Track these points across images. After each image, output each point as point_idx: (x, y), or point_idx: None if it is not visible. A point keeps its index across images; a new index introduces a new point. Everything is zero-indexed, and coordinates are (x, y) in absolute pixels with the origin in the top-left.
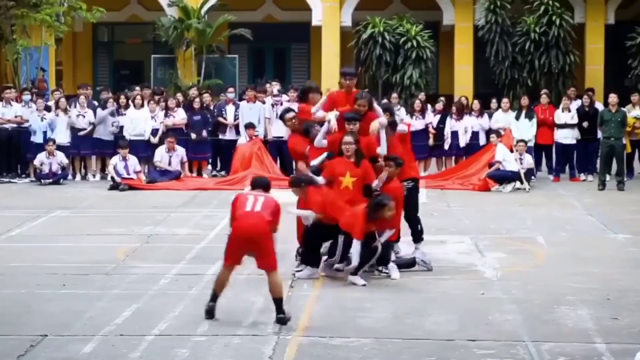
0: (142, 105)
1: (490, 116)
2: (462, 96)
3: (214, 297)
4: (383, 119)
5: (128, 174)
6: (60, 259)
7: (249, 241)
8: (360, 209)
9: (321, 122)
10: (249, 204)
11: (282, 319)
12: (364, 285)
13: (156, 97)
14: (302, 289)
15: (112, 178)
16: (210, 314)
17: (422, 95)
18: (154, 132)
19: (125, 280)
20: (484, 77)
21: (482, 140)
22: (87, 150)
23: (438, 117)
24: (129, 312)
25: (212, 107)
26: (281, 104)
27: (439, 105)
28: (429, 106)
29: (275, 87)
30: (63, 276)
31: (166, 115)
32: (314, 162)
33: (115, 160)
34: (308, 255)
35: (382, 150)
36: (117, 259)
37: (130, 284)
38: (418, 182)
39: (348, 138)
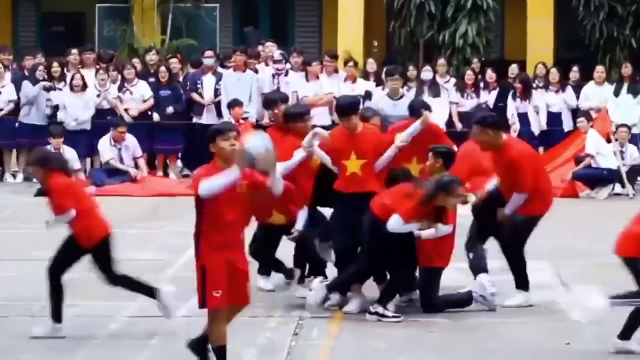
0: (83, 87)
1: (577, 90)
2: (540, 62)
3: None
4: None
5: None
6: None
7: None
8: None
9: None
10: None
11: None
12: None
13: (103, 65)
14: (310, 338)
15: None
16: None
17: (475, 64)
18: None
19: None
20: (569, 36)
21: (566, 124)
22: (8, 139)
23: (494, 93)
24: None
25: (181, 79)
26: (285, 73)
27: (490, 76)
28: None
29: (274, 49)
30: None
31: (121, 91)
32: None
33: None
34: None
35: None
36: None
37: (67, 330)
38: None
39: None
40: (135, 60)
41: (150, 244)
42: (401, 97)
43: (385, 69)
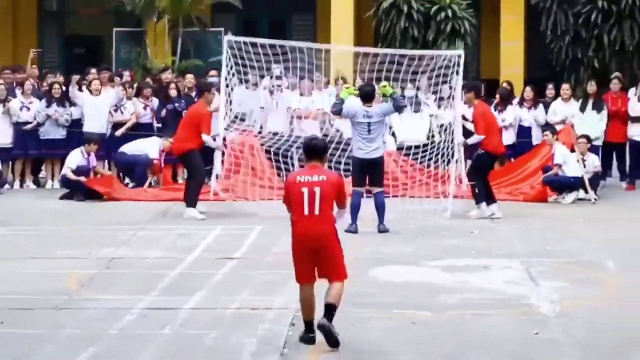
0: (100, 92)
1: (546, 107)
2: (505, 81)
3: (308, 327)
4: None
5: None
6: None
7: (311, 248)
8: None
9: None
10: (305, 204)
11: (320, 327)
12: None
13: (121, 81)
14: None
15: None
16: (311, 342)
17: (455, 80)
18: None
19: (79, 317)
20: (538, 57)
21: (535, 137)
22: (35, 150)
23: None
24: (84, 358)
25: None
26: (281, 90)
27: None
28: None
29: (276, 69)
30: (1, 311)
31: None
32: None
33: (75, 157)
34: None
35: None
36: (69, 289)
37: (86, 321)
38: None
39: None
40: (148, 79)
41: (161, 244)
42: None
43: None
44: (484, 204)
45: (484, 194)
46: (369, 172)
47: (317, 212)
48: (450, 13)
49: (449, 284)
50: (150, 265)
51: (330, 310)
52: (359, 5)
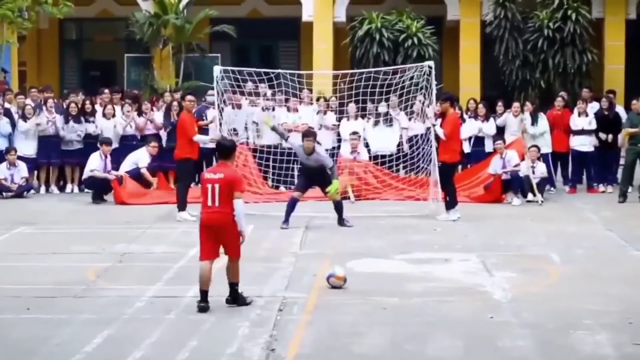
0: (113, 115)
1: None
2: (471, 98)
3: (202, 297)
4: None
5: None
6: (24, 280)
7: (215, 231)
8: None
9: None
10: (209, 196)
11: (229, 300)
12: None
13: (129, 101)
14: (291, 313)
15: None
16: (204, 310)
17: (420, 97)
18: (127, 137)
19: (95, 304)
20: (492, 78)
21: (487, 147)
22: (57, 159)
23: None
24: (100, 339)
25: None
26: (273, 108)
27: (438, 108)
28: (431, 108)
29: (267, 90)
30: (27, 299)
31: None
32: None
33: (95, 159)
34: None
35: None
36: (86, 280)
37: (102, 307)
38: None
39: None
40: (161, 100)
41: (166, 240)
42: (312, 152)
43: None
44: (452, 210)
45: (453, 202)
46: (315, 178)
47: (217, 204)
48: (416, 40)
49: (414, 274)
50: (157, 259)
51: (233, 286)
52: (337, 33)
